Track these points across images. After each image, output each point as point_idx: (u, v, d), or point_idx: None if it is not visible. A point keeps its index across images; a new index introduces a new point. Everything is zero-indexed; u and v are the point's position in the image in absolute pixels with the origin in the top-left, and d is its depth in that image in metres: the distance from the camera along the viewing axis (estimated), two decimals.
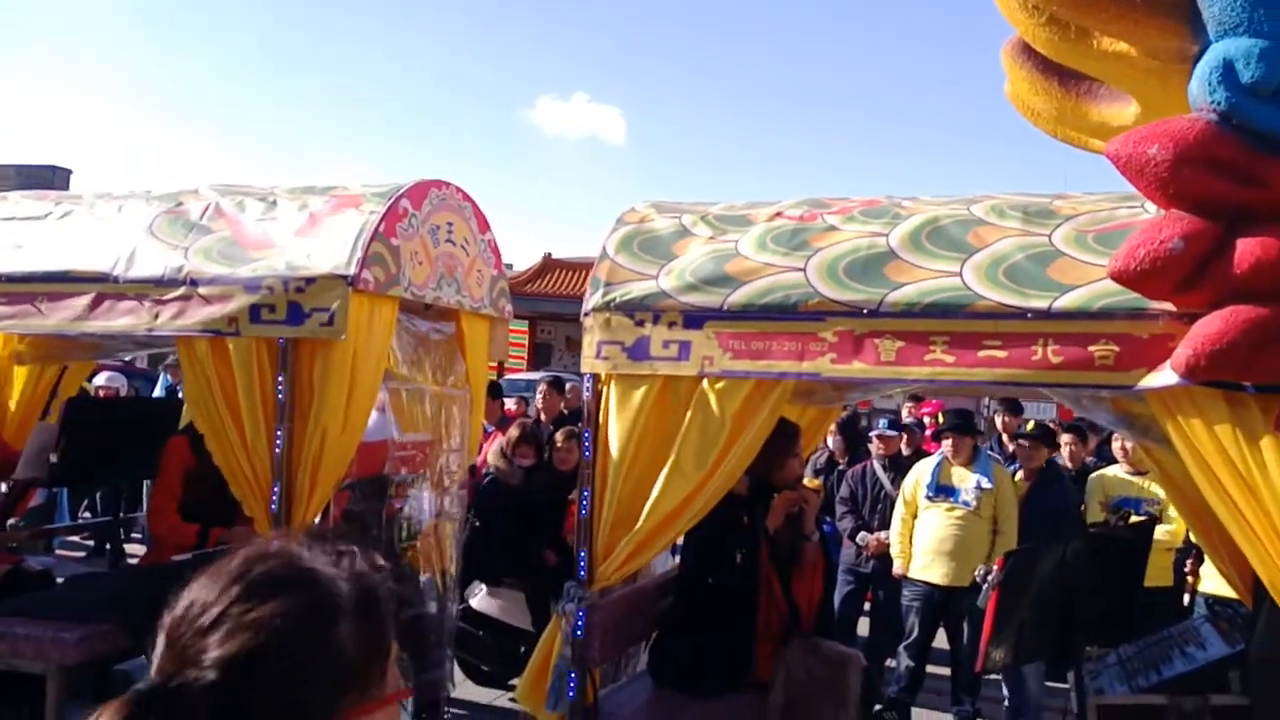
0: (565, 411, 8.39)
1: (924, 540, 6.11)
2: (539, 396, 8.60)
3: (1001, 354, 3.08)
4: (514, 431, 6.30)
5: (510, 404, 9.45)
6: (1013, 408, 7.93)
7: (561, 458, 6.13)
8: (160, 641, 1.03)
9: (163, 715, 0.96)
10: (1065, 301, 2.99)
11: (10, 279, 4.24)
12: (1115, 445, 6.58)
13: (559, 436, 6.25)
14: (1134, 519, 5.15)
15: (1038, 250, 3.12)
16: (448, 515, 4.90)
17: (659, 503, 3.40)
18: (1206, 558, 4.61)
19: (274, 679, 0.99)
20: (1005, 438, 7.93)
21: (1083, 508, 6.35)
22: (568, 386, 8.71)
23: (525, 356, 26.29)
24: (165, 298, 3.96)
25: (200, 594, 1.03)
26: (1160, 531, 5.78)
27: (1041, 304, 3.01)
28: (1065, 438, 7.13)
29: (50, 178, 25.18)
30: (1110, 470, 6.48)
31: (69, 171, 27.14)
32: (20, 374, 5.36)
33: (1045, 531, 5.61)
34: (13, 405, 5.30)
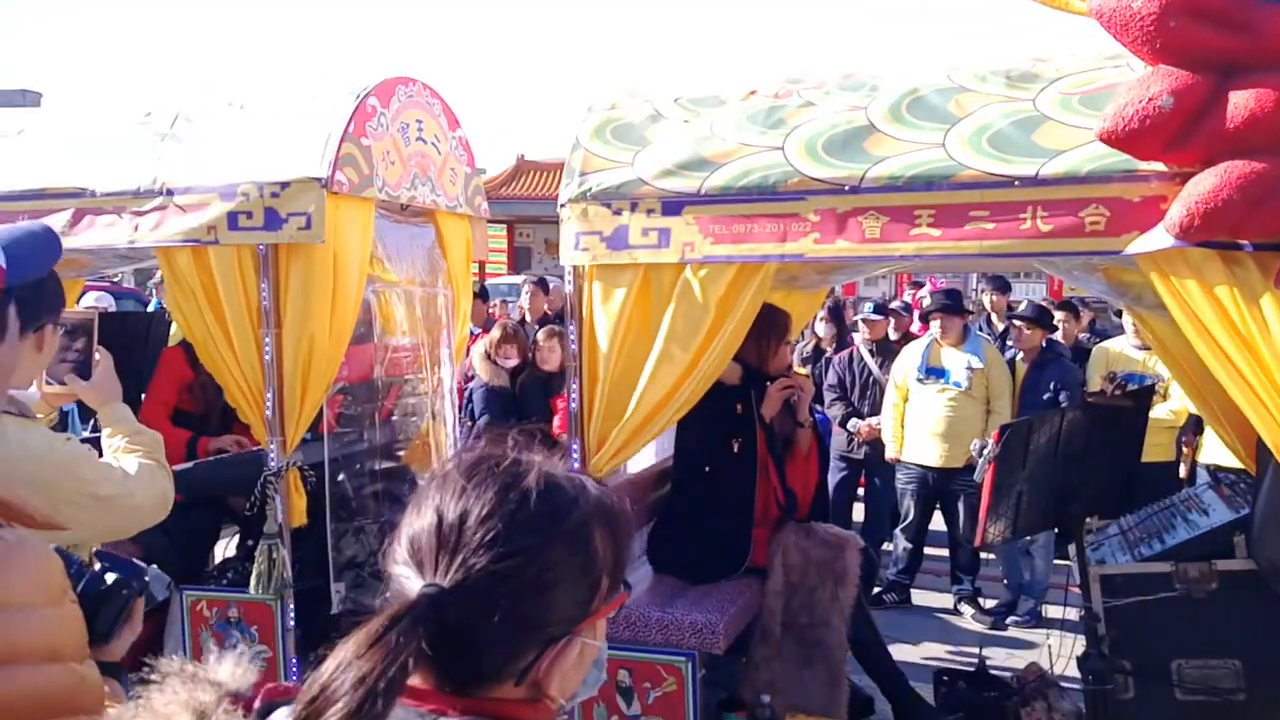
0: (550, 312, 8.35)
1: (916, 423, 6.12)
2: (524, 296, 8.57)
3: (989, 225, 3.02)
4: (496, 332, 6.28)
5: (492, 307, 9.44)
6: (1001, 285, 7.84)
7: (544, 357, 6.12)
8: (425, 545, 1.04)
9: (452, 614, 1.00)
10: (1053, 167, 2.92)
11: None
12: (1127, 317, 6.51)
13: (540, 336, 6.24)
14: (1131, 387, 5.14)
15: (1022, 116, 3.02)
16: (441, 417, 4.91)
17: (647, 391, 3.38)
18: (1207, 427, 4.61)
19: (550, 580, 1.04)
20: (994, 317, 7.89)
21: (1084, 382, 6.34)
22: (551, 288, 8.67)
23: (505, 261, 26.18)
24: (143, 209, 3.92)
25: (470, 501, 1.04)
26: (1163, 410, 5.78)
27: (1028, 171, 2.94)
28: (1058, 315, 7.08)
29: (21, 101, 24.80)
30: (1115, 344, 6.41)
31: (39, 95, 26.70)
32: None
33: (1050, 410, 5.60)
34: None
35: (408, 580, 1.05)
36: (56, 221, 4.04)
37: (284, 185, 3.71)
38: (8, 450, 1.74)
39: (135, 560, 1.56)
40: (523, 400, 6.04)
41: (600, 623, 1.12)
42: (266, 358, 3.79)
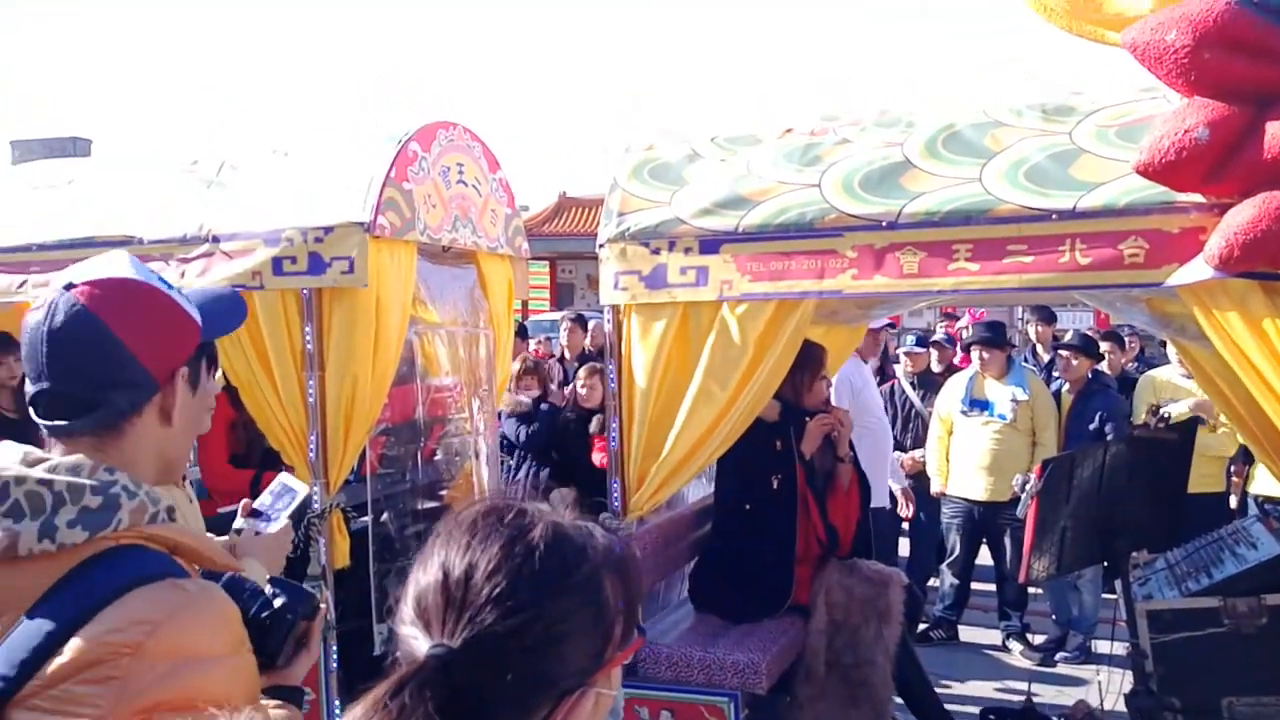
0: (590, 349, 8.40)
1: (961, 456, 6.05)
2: (563, 334, 8.62)
3: (1028, 259, 3.01)
4: (515, 365, 6.32)
5: (534, 345, 9.49)
6: (1046, 316, 7.76)
7: (584, 395, 6.15)
8: (432, 604, 1.02)
9: (462, 675, 0.98)
10: (1090, 200, 2.91)
11: (41, 247, 4.30)
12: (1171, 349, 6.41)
13: (582, 373, 6.27)
14: (1176, 416, 5.05)
15: (1059, 149, 3.02)
16: (483, 456, 4.94)
17: (686, 429, 3.39)
18: (1256, 459, 4.53)
19: (561, 633, 1.01)
20: (1040, 348, 7.81)
21: (1130, 413, 6.24)
22: (591, 324, 8.72)
23: (548, 297, 26.37)
24: (190, 256, 3.99)
25: (476, 556, 1.02)
26: (1211, 439, 5.69)
27: (1066, 204, 2.93)
28: (1103, 346, 7.00)
29: (71, 149, 25.42)
30: (1162, 373, 6.30)
31: (89, 142, 27.36)
32: None
33: (1095, 442, 5.53)
34: None
35: (415, 641, 1.02)
36: None
37: (327, 230, 3.78)
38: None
39: (305, 587, 1.61)
40: (563, 436, 6.06)
41: (615, 670, 1.09)
42: (310, 400, 3.84)
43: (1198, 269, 2.76)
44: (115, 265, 1.42)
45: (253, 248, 3.88)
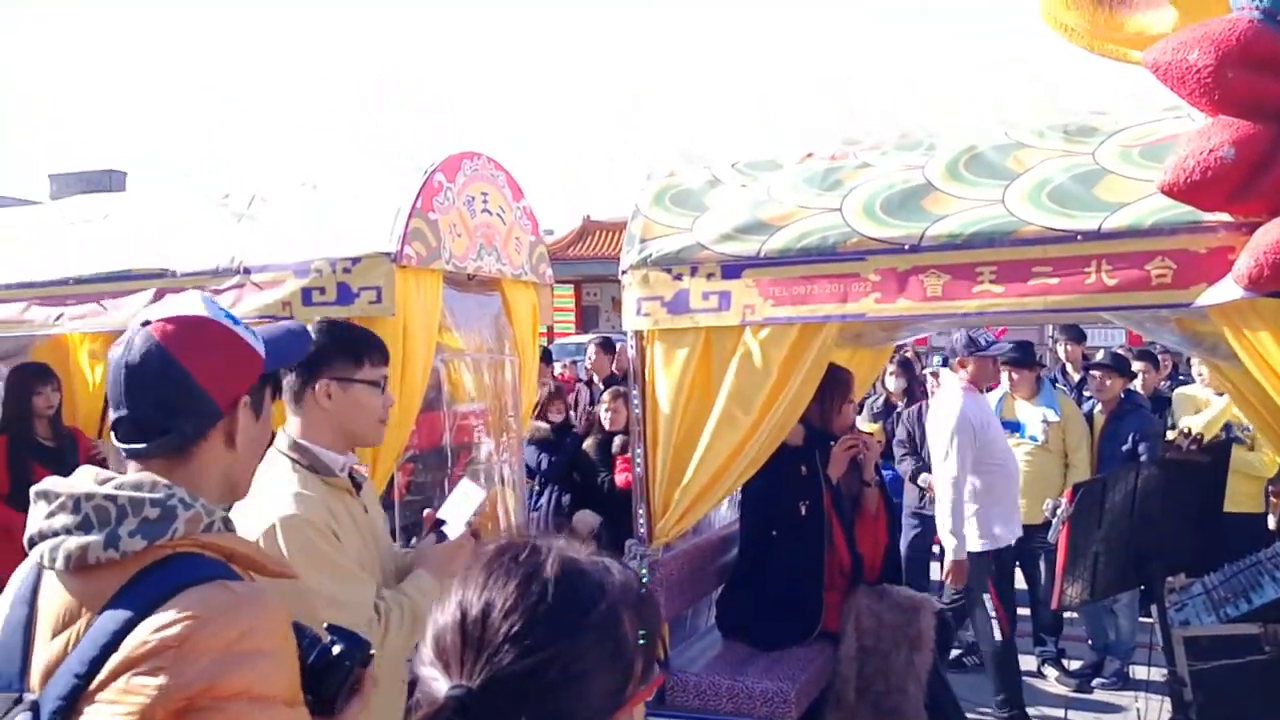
0: (617, 372, 8.39)
1: None
2: (589, 358, 8.64)
3: (1053, 280, 3.00)
4: (541, 393, 6.33)
5: (560, 368, 9.51)
6: (1076, 335, 7.66)
7: (610, 420, 6.15)
8: (450, 644, 1.02)
9: (481, 715, 0.98)
10: (1116, 220, 2.89)
11: (78, 281, 4.39)
12: (1195, 368, 6.34)
13: (605, 397, 6.27)
14: (1205, 429, 4.98)
15: (1083, 170, 3.01)
16: (510, 482, 4.95)
17: (709, 454, 3.39)
18: None
19: (579, 671, 1.01)
20: (1070, 367, 7.73)
21: (1169, 428, 6.14)
22: (618, 347, 8.73)
23: (574, 320, 26.45)
24: (221, 287, 4.05)
25: (492, 595, 1.02)
26: (1250, 458, 5.60)
27: (1091, 225, 2.92)
28: (1137, 365, 6.91)
29: (108, 181, 25.93)
30: (1201, 391, 6.21)
31: (124, 174, 27.88)
32: (96, 371, 5.56)
33: (1129, 464, 5.46)
34: (91, 402, 5.49)
35: (435, 682, 1.02)
36: (139, 301, 4.21)
37: (355, 261, 3.83)
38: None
39: (361, 634, 1.64)
40: (584, 460, 6.05)
41: (638, 708, 1.08)
42: None
43: (1227, 289, 2.73)
44: (188, 304, 1.57)
45: (283, 279, 3.94)
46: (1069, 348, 7.71)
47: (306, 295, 3.90)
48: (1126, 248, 2.89)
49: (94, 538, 1.36)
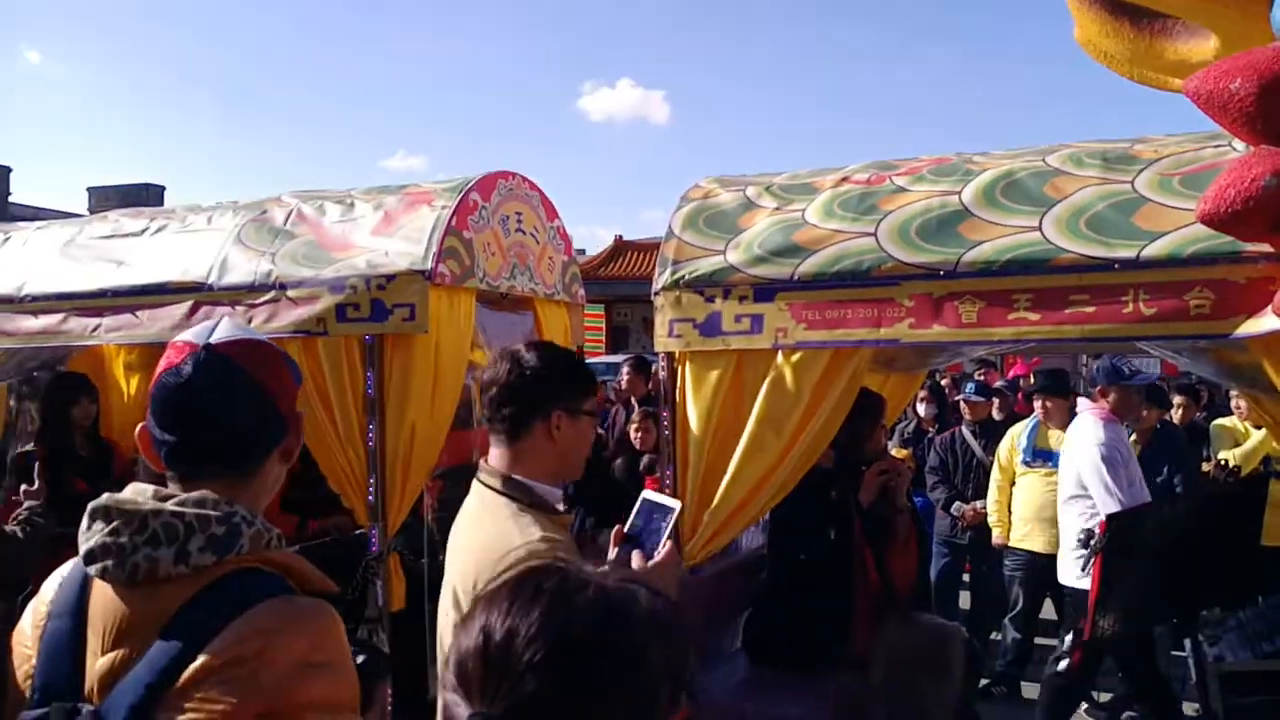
0: (653, 391, 8.36)
1: (1023, 507, 5.93)
2: (622, 378, 8.61)
3: (1090, 309, 2.97)
4: None
5: None
6: None
7: (640, 439, 6.15)
8: (473, 670, 1.00)
9: None
10: (1154, 249, 2.86)
11: (115, 293, 4.45)
12: (1233, 400, 6.26)
13: (636, 416, 6.28)
14: (1241, 460, 4.91)
15: (1121, 198, 2.99)
16: None
17: (739, 477, 3.38)
18: None
19: (603, 701, 0.99)
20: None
21: (1205, 459, 6.06)
22: (653, 368, 8.69)
23: (604, 340, 26.46)
24: (257, 302, 4.09)
25: (516, 621, 1.00)
26: None
27: (1129, 253, 2.89)
28: (1177, 399, 6.85)
29: (145, 195, 26.37)
30: (1239, 424, 6.13)
31: (162, 188, 28.32)
32: (132, 382, 5.63)
33: (1163, 495, 5.39)
34: (127, 413, 5.56)
35: (458, 708, 1.00)
36: (176, 314, 4.26)
37: (389, 278, 3.85)
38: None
39: (382, 648, 1.68)
40: (611, 479, 6.06)
41: None
42: (370, 445, 3.89)
43: (1268, 320, 2.69)
44: (232, 326, 1.61)
45: (318, 295, 3.97)
46: None
47: (340, 311, 3.92)
48: (1165, 277, 2.86)
49: (164, 553, 1.41)
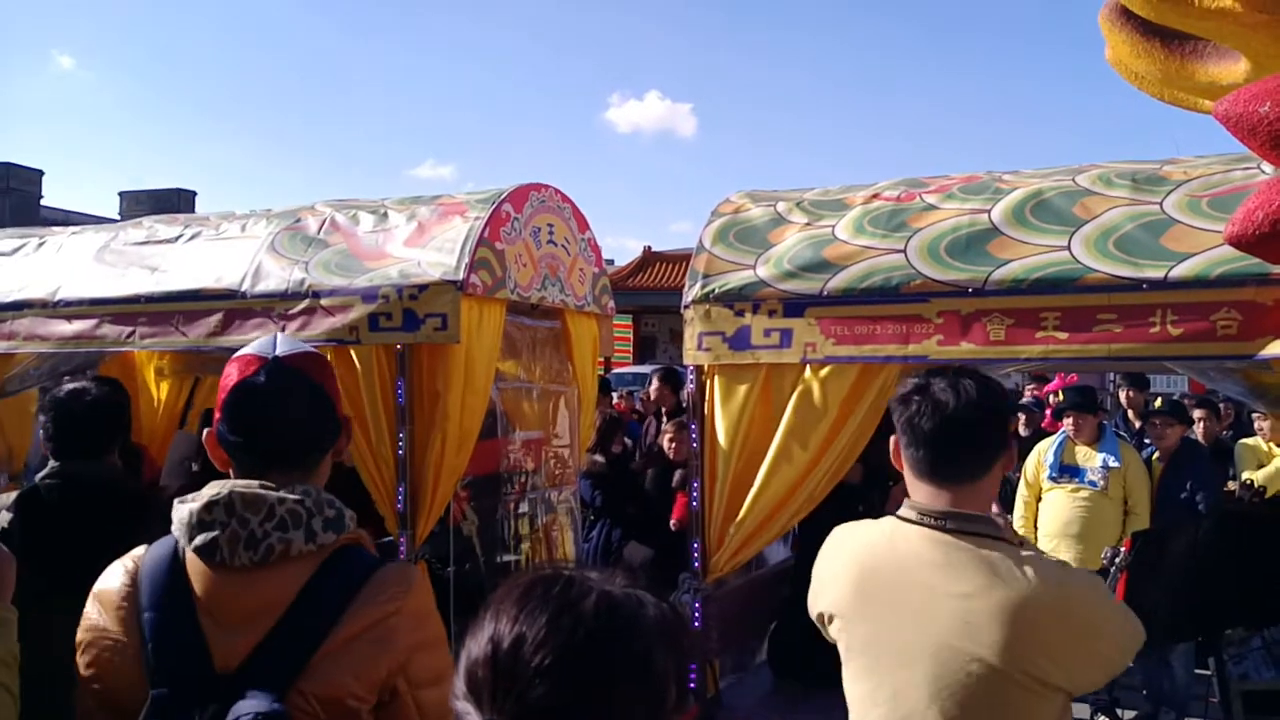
0: (684, 403, 8.37)
1: (1049, 523, 5.92)
2: (652, 389, 8.66)
3: (1117, 328, 2.99)
4: (596, 416, 6.35)
5: (615, 398, 9.51)
6: (1137, 382, 7.58)
7: (672, 450, 6.16)
8: (482, 678, 1.01)
9: None
10: (1182, 270, 2.88)
11: (149, 299, 4.49)
12: (1257, 422, 6.26)
13: (668, 427, 6.28)
14: (1267, 480, 4.89)
15: (1149, 219, 3.01)
16: (562, 510, 5.00)
17: (767, 491, 3.40)
18: None
19: (611, 707, 1.00)
20: (1131, 414, 7.62)
21: (1230, 478, 6.04)
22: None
23: (631, 350, 26.49)
24: (290, 311, 4.13)
25: (524, 629, 1.01)
26: None
27: (1157, 274, 2.91)
28: (1197, 413, 6.82)
29: (177, 200, 26.66)
30: (1264, 444, 6.11)
31: (193, 193, 28.63)
32: (162, 388, 5.70)
33: (1185, 512, 5.38)
34: (157, 418, 5.63)
35: (468, 716, 1.01)
36: (209, 322, 4.31)
37: (422, 288, 3.89)
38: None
39: None
40: (641, 491, 6.07)
41: None
42: (400, 453, 3.93)
43: None
44: (288, 340, 1.79)
45: (350, 304, 4.01)
46: (1131, 394, 7.63)
47: (373, 321, 3.96)
48: (1192, 298, 2.88)
49: (295, 534, 1.61)
